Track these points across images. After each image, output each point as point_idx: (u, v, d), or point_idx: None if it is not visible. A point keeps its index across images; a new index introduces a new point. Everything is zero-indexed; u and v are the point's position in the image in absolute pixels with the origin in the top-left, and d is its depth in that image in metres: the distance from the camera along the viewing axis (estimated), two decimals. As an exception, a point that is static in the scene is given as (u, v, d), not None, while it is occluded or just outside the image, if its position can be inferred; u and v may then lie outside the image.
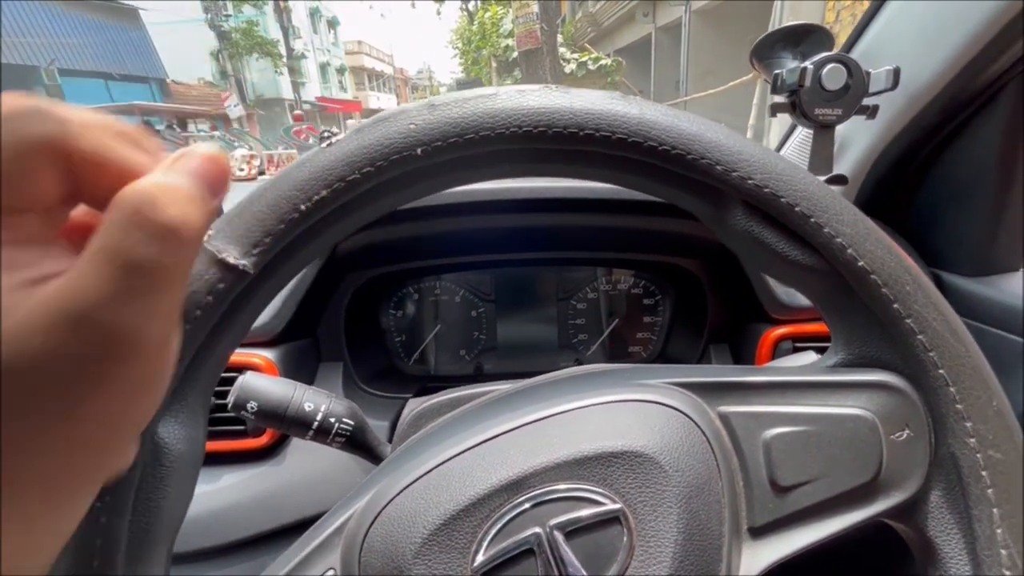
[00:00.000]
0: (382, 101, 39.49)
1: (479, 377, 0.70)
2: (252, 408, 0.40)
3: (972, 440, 0.26)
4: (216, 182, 0.16)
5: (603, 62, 8.80)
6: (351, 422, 0.42)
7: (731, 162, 0.26)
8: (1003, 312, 0.51)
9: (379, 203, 0.27)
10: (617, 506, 0.24)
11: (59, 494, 0.15)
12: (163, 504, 0.24)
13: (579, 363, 0.71)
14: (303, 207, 0.24)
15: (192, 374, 0.25)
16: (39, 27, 10.07)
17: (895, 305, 0.26)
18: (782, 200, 0.26)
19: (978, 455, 0.26)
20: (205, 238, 0.23)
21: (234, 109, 13.09)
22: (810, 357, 0.36)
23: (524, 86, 0.27)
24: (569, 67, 8.52)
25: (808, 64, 0.50)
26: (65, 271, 0.14)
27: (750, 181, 0.26)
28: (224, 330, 0.25)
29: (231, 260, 0.23)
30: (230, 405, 0.40)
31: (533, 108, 0.25)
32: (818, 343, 0.55)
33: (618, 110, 0.26)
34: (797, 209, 0.26)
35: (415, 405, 0.43)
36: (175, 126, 10.52)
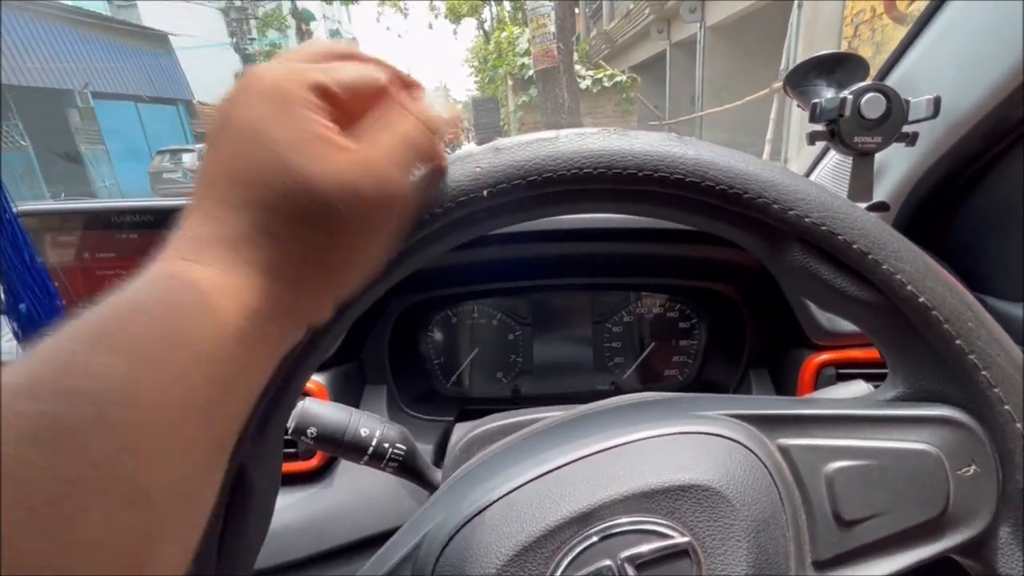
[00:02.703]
0: (399, 119, 39.99)
1: (516, 399, 0.71)
2: (312, 434, 0.41)
3: None
4: (457, 120, 0.26)
5: (618, 79, 8.85)
6: (403, 447, 0.43)
7: (788, 201, 0.26)
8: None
9: (445, 240, 0.28)
10: (686, 539, 0.24)
11: (319, 292, 0.22)
12: (248, 529, 0.26)
13: (615, 386, 0.72)
14: None
15: (274, 407, 0.26)
16: (74, 53, 10.51)
17: (957, 341, 0.26)
18: (839, 238, 0.26)
19: None
20: None
21: (257, 129, 13.44)
22: (861, 387, 0.36)
23: (584, 129, 0.28)
24: (585, 84, 8.59)
25: (847, 94, 0.51)
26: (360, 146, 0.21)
27: (807, 219, 0.26)
28: (302, 366, 0.26)
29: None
30: (291, 431, 0.41)
31: (594, 151, 0.26)
32: (862, 370, 0.55)
33: (675, 151, 0.27)
34: (855, 247, 0.26)
35: (464, 431, 0.44)
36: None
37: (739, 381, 0.65)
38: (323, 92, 0.21)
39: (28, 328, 0.36)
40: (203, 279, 0.18)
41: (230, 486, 0.24)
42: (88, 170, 10.75)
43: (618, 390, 0.72)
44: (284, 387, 0.26)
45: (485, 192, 0.26)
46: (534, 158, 0.26)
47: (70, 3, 11.18)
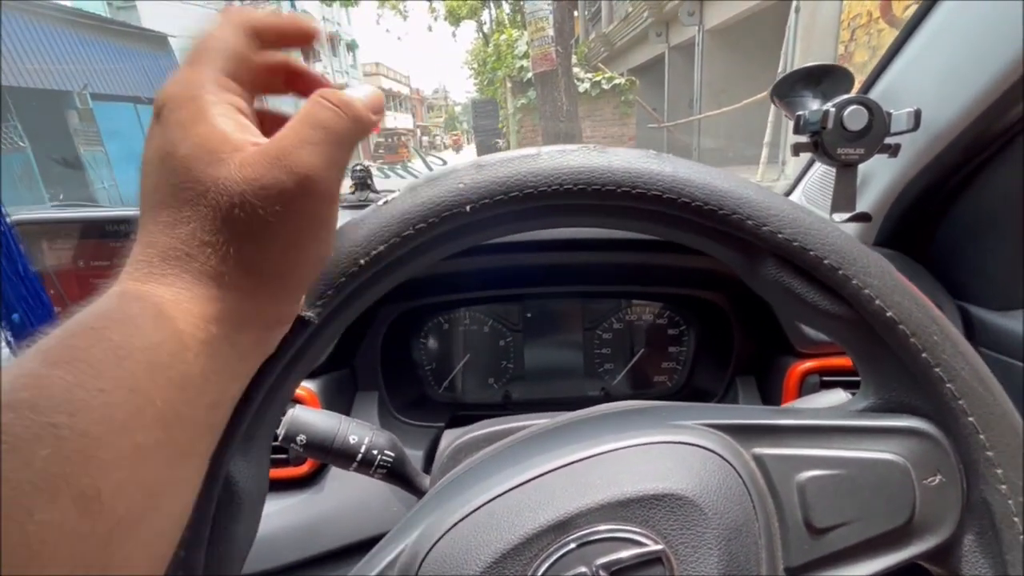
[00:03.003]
0: (398, 120, 40.27)
1: (507, 405, 0.71)
2: (301, 441, 0.42)
3: (1003, 487, 0.27)
4: (378, 105, 0.24)
5: (617, 81, 8.86)
6: (392, 454, 0.44)
7: (761, 217, 0.27)
8: (1030, 347, 0.52)
9: (429, 255, 0.29)
10: (659, 547, 0.25)
11: (272, 293, 0.22)
12: (235, 536, 0.26)
13: (605, 392, 0.72)
14: (362, 261, 0.26)
15: (261, 415, 0.27)
16: (73, 54, 10.50)
17: (924, 355, 0.27)
18: (811, 253, 0.27)
19: (1010, 501, 0.27)
20: None
21: (256, 130, 13.48)
22: (839, 395, 0.37)
23: (565, 146, 0.29)
24: (583, 86, 8.60)
25: (830, 106, 0.52)
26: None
27: (780, 235, 0.27)
28: (289, 374, 0.27)
29: (298, 312, 0.25)
30: (280, 438, 0.42)
31: (574, 167, 0.27)
32: (845, 377, 0.56)
33: (653, 168, 0.27)
34: (826, 262, 0.27)
35: (452, 437, 0.44)
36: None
37: (726, 388, 0.65)
38: (227, 79, 0.21)
39: (22, 338, 0.37)
40: (150, 294, 0.19)
41: (217, 492, 0.25)
42: (87, 172, 10.73)
43: (608, 396, 0.72)
44: (271, 394, 0.26)
45: (468, 207, 0.27)
46: (515, 174, 0.27)
47: (69, 4, 11.19)
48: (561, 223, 0.30)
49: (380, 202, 0.28)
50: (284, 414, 0.43)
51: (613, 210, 0.29)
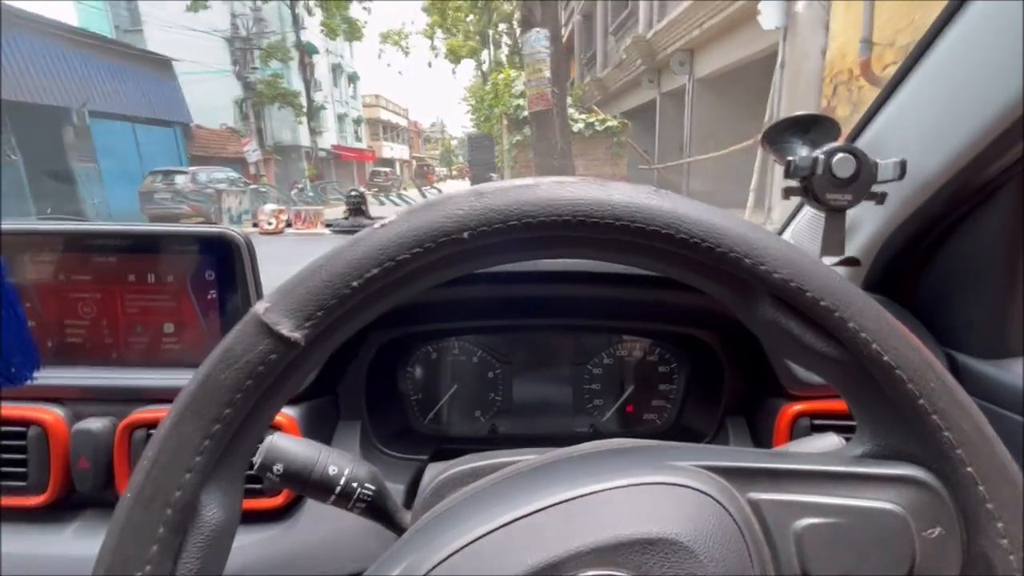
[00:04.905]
0: (395, 151, 40.94)
1: (494, 439, 0.69)
2: (278, 471, 0.40)
3: (1004, 541, 0.26)
4: None
5: (610, 123, 9.15)
6: (373, 487, 0.42)
7: (758, 256, 0.27)
8: (1016, 395, 0.52)
9: (423, 280, 0.29)
10: None
11: None
12: (203, 568, 0.24)
13: (593, 429, 0.71)
14: (355, 283, 0.26)
15: (237, 442, 0.25)
16: (75, 72, 10.62)
17: (921, 401, 0.27)
18: (807, 294, 0.27)
19: (1011, 557, 0.26)
20: (261, 310, 0.25)
21: (252, 154, 13.65)
22: (833, 440, 0.36)
23: (564, 178, 0.29)
24: (577, 127, 8.86)
25: (820, 153, 0.53)
26: None
27: (776, 275, 0.27)
28: (271, 398, 0.26)
29: (285, 332, 0.24)
30: (256, 467, 0.40)
31: (573, 199, 0.27)
32: (836, 421, 0.55)
33: (652, 204, 0.27)
34: (822, 303, 0.27)
35: (436, 471, 0.43)
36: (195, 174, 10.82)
37: (717, 428, 0.64)
38: None
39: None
40: None
41: (185, 522, 0.23)
42: (78, 188, 10.70)
43: (596, 433, 0.71)
44: (251, 420, 0.25)
45: (466, 234, 0.26)
46: (514, 203, 0.27)
47: (75, 24, 11.41)
48: (558, 254, 0.30)
49: (376, 224, 0.27)
50: (262, 441, 0.41)
51: (611, 244, 0.29)
